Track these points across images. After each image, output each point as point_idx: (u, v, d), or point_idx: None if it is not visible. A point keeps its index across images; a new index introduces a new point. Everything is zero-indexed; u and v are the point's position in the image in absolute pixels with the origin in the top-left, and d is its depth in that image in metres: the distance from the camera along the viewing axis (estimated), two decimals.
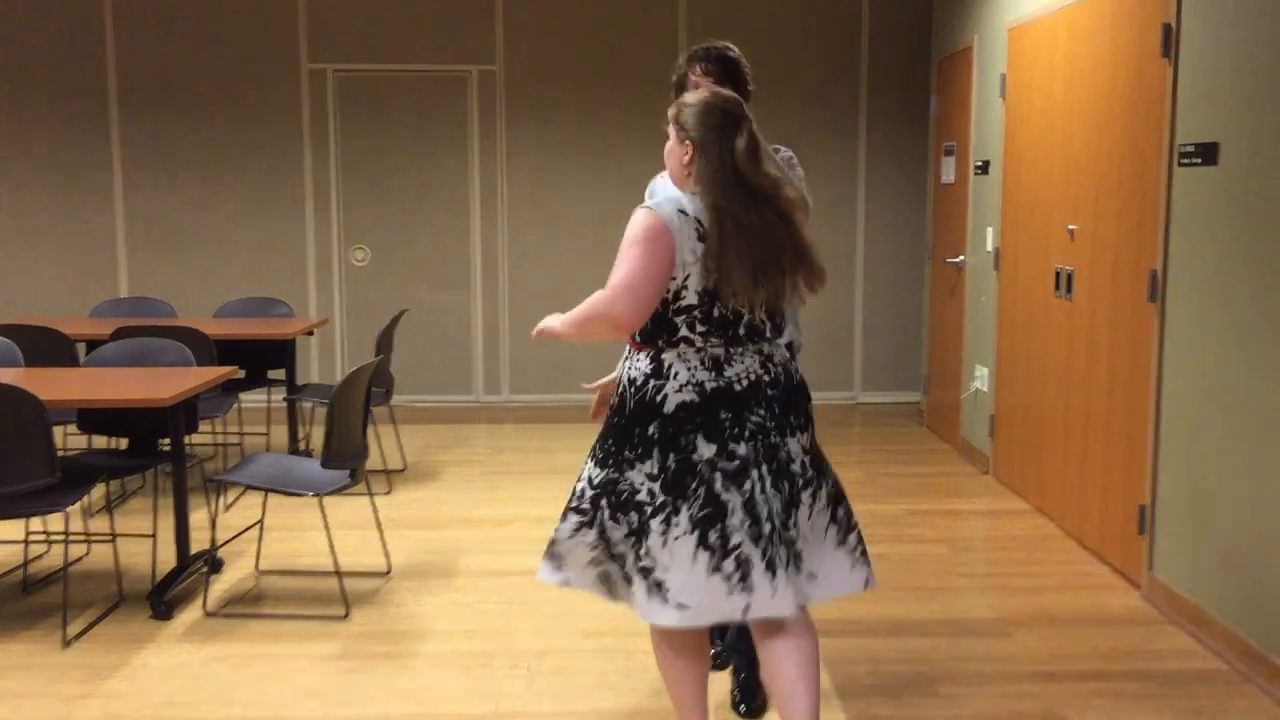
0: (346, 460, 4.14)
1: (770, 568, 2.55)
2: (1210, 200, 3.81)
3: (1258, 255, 3.54)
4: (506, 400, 8.09)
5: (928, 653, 3.75)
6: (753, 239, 2.54)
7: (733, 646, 3.39)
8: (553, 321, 2.71)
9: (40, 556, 4.68)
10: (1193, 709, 3.35)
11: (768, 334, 2.66)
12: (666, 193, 2.80)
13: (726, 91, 2.74)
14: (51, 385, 4.06)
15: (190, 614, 4.09)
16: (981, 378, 6.20)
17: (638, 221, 2.56)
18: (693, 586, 2.55)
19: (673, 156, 2.69)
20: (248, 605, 4.18)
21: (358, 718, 3.29)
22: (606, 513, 2.65)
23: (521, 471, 6.19)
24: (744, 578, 2.54)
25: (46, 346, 5.09)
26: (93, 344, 5.18)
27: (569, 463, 6.31)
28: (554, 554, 2.73)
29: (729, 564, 2.54)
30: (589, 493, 2.68)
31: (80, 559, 4.65)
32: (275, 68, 7.75)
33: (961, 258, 6.54)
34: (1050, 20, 5.18)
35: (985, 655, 3.74)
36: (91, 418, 4.57)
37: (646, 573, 2.59)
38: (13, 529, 4.83)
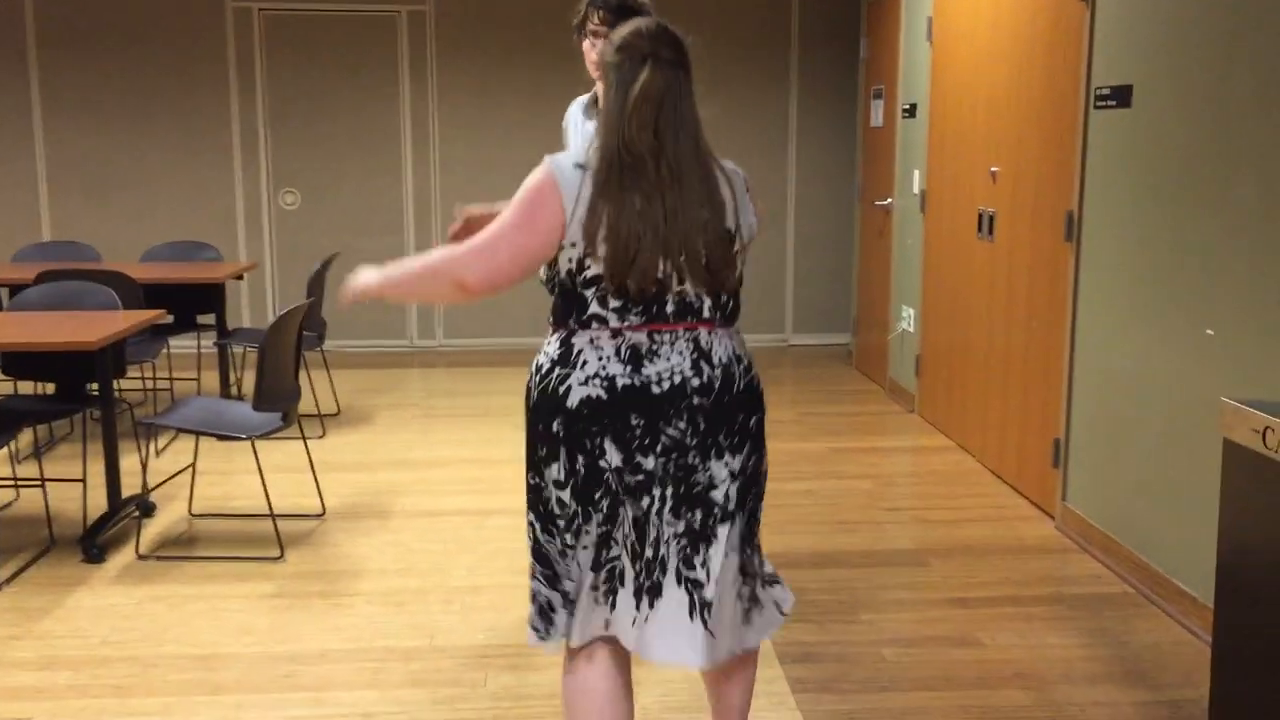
0: (278, 402, 4.16)
1: (637, 596, 2.23)
2: (1124, 142, 3.92)
3: (1169, 196, 3.66)
4: (440, 345, 8.09)
5: (850, 582, 3.89)
6: (642, 201, 2.11)
7: None
8: (371, 276, 2.32)
9: None
10: (1099, 628, 3.52)
11: (706, 315, 2.21)
12: (581, 130, 2.65)
13: (656, 20, 2.27)
14: None
15: (123, 557, 4.09)
16: (908, 318, 6.33)
17: (527, 180, 2.17)
18: (594, 596, 2.27)
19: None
20: (181, 548, 4.19)
21: (295, 653, 3.34)
22: (539, 527, 2.29)
23: (455, 414, 6.23)
24: (610, 593, 2.25)
25: None
26: (15, 289, 5.11)
27: (502, 405, 6.37)
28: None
29: (602, 575, 2.25)
30: (527, 511, 2.33)
31: (9, 504, 4.63)
32: (199, 6, 7.59)
33: (889, 200, 6.64)
34: None
35: (904, 583, 3.87)
36: (17, 362, 4.53)
37: (567, 593, 2.29)
38: None
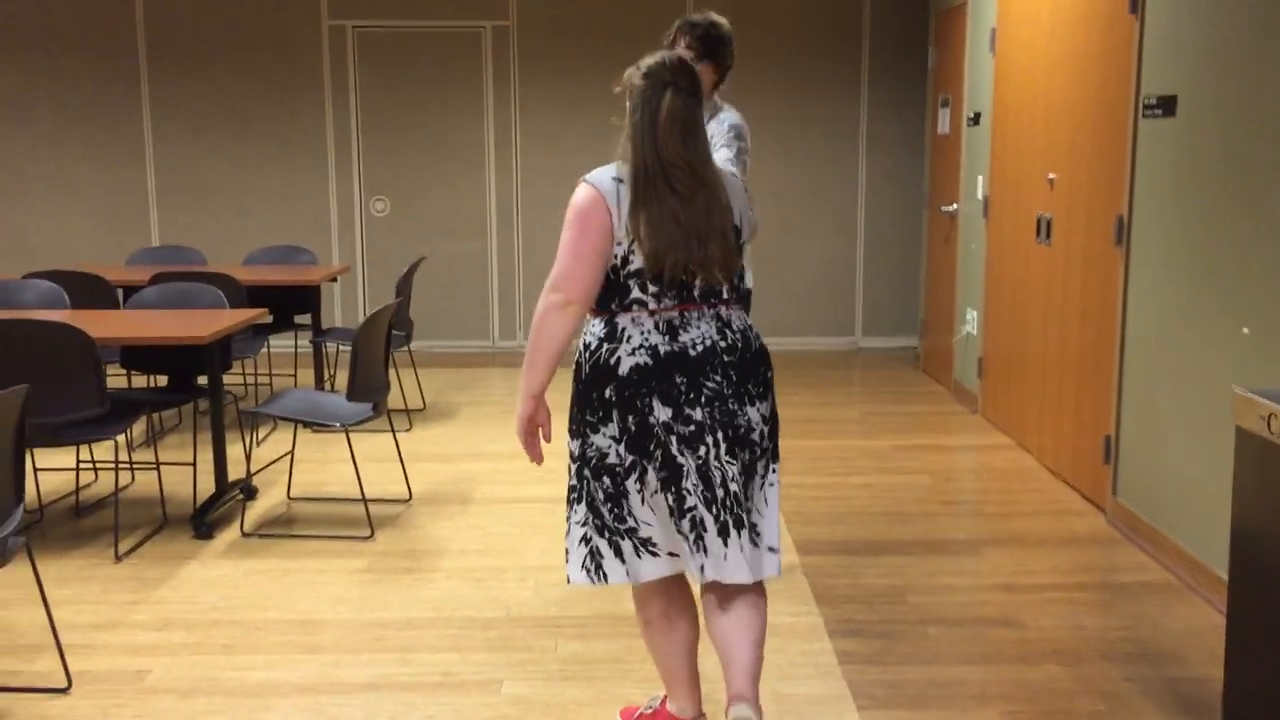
0: (370, 394, 4.50)
1: (723, 533, 2.58)
2: (1170, 150, 4.09)
3: (1209, 201, 3.82)
4: (520, 346, 8.44)
5: (902, 568, 4.10)
6: (679, 213, 2.51)
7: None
8: (520, 405, 2.68)
9: (89, 485, 5.07)
10: (1139, 613, 3.69)
11: (725, 295, 2.63)
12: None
13: (677, 54, 2.68)
14: (98, 325, 4.42)
15: (229, 535, 4.46)
16: (972, 321, 6.50)
17: (573, 200, 2.55)
18: (673, 539, 2.65)
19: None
20: (281, 527, 4.55)
21: (383, 620, 3.66)
22: (590, 481, 2.63)
23: None
24: (699, 539, 2.59)
25: (89, 291, 5.45)
26: (129, 289, 5.55)
27: None
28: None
29: (685, 524, 2.59)
30: (572, 466, 2.68)
31: (126, 487, 5.04)
32: (297, 24, 8.04)
33: (955, 206, 6.82)
34: None
35: (954, 570, 4.08)
36: (134, 356, 4.94)
37: (631, 533, 2.63)
38: (64, 458, 5.22)
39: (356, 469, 4.57)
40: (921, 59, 7.90)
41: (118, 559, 4.20)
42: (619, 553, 2.64)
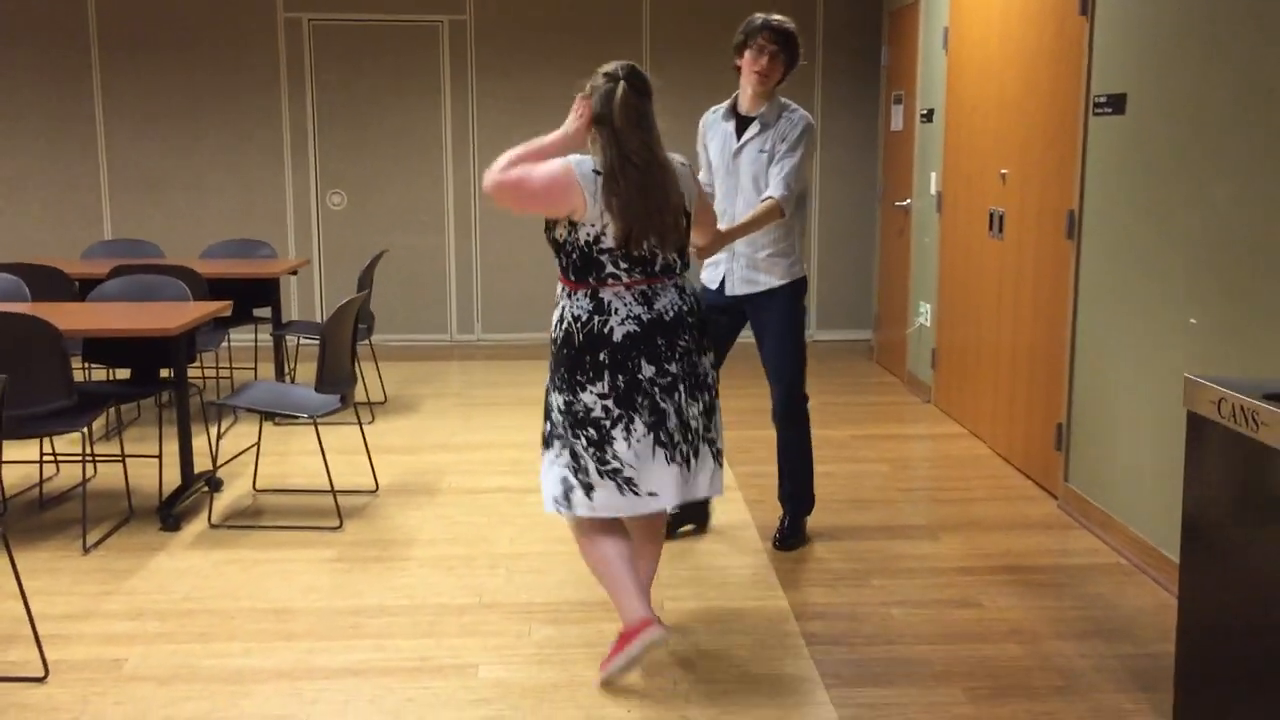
0: (338, 385, 4.53)
1: (687, 460, 3.17)
2: (1119, 146, 4.23)
3: (1157, 196, 3.97)
4: (478, 339, 8.47)
5: (863, 553, 4.21)
6: (644, 191, 3.02)
7: (780, 499, 4.33)
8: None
9: (51, 478, 5.05)
10: (1092, 593, 3.83)
11: (677, 269, 3.17)
12: (718, 128, 4.04)
13: (629, 61, 3.19)
14: (65, 317, 4.41)
15: (196, 526, 4.48)
16: (925, 314, 6.64)
17: (558, 162, 3.05)
18: (659, 476, 3.12)
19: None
20: (248, 518, 4.57)
21: (357, 608, 3.70)
22: (571, 431, 3.11)
23: (493, 403, 6.59)
24: (686, 465, 3.15)
25: (46, 284, 5.41)
26: (87, 283, 5.52)
27: (537, 395, 6.71)
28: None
29: (679, 455, 3.13)
30: (557, 417, 3.14)
31: (89, 480, 5.02)
32: (252, 16, 8.01)
33: (908, 201, 6.96)
34: None
35: (914, 554, 4.20)
36: (97, 348, 4.92)
37: (616, 474, 3.09)
38: (26, 451, 5.19)
39: (325, 460, 4.59)
40: (875, 57, 8.03)
41: (85, 551, 4.20)
42: (589, 491, 3.11)
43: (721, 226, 3.85)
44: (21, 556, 4.14)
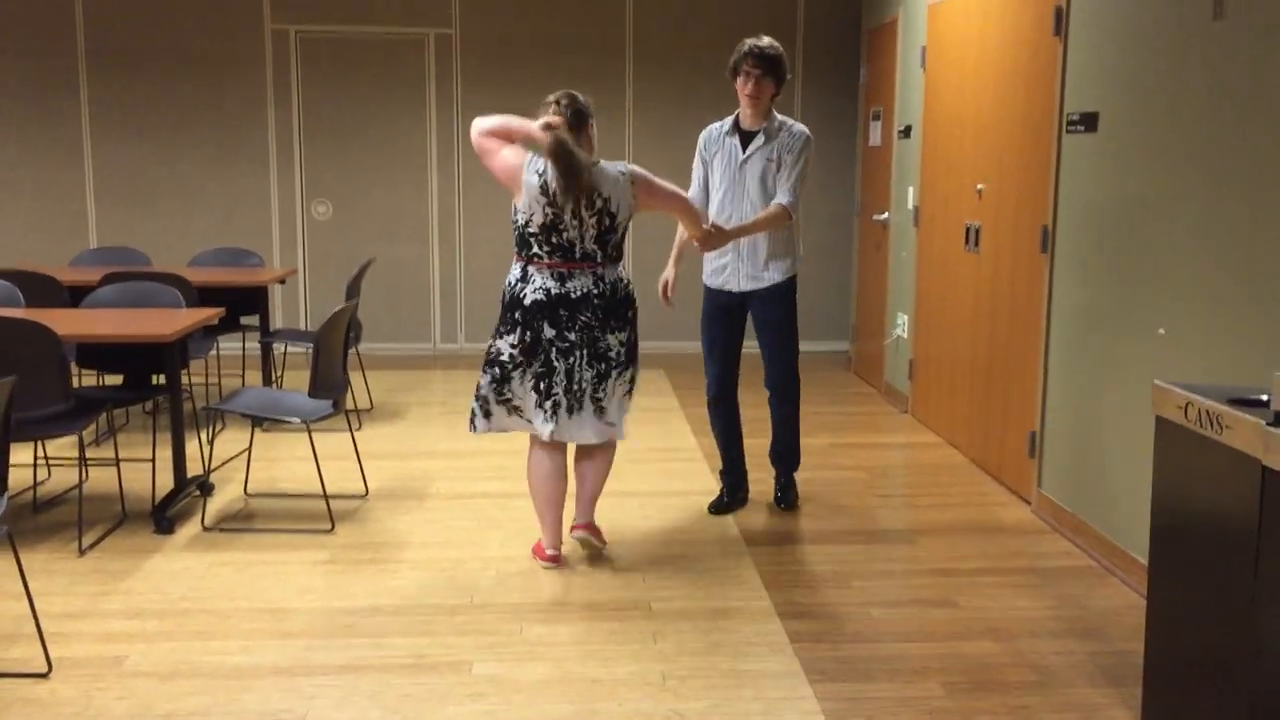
0: (330, 391, 4.62)
1: (570, 410, 4.00)
2: (1091, 163, 4.39)
3: (1127, 212, 4.12)
4: (461, 348, 8.56)
5: (844, 556, 4.34)
6: (556, 199, 3.86)
7: (772, 459, 4.94)
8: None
9: (43, 482, 5.11)
10: (1063, 594, 3.96)
11: (599, 260, 3.93)
12: (722, 142, 4.62)
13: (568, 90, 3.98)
14: (63, 323, 4.48)
15: (189, 529, 4.55)
16: (902, 325, 6.79)
17: (519, 155, 3.91)
18: (533, 412, 4.01)
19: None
20: (241, 522, 4.65)
21: (352, 608, 3.79)
22: (482, 368, 4.06)
23: None
24: (553, 412, 3.99)
25: (39, 290, 5.48)
26: (75, 289, 5.58)
27: None
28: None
29: (548, 404, 3.99)
30: (485, 363, 4.06)
31: (82, 483, 5.09)
32: (240, 28, 8.09)
33: (886, 215, 7.11)
34: (964, 1, 5.73)
35: (892, 557, 4.32)
36: (91, 354, 4.99)
37: (507, 402, 4.04)
38: (22, 454, 5.25)
39: (318, 464, 4.68)
40: (853, 74, 8.20)
41: (81, 553, 4.27)
42: (488, 415, 4.05)
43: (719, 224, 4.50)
44: (20, 557, 4.19)
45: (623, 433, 4.10)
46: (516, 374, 3.98)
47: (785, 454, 4.92)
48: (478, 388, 4.05)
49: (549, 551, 4.16)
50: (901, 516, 4.81)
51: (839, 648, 3.53)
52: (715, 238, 4.37)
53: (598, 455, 4.18)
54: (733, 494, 4.89)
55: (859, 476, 5.41)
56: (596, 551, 4.29)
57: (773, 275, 4.67)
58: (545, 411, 3.98)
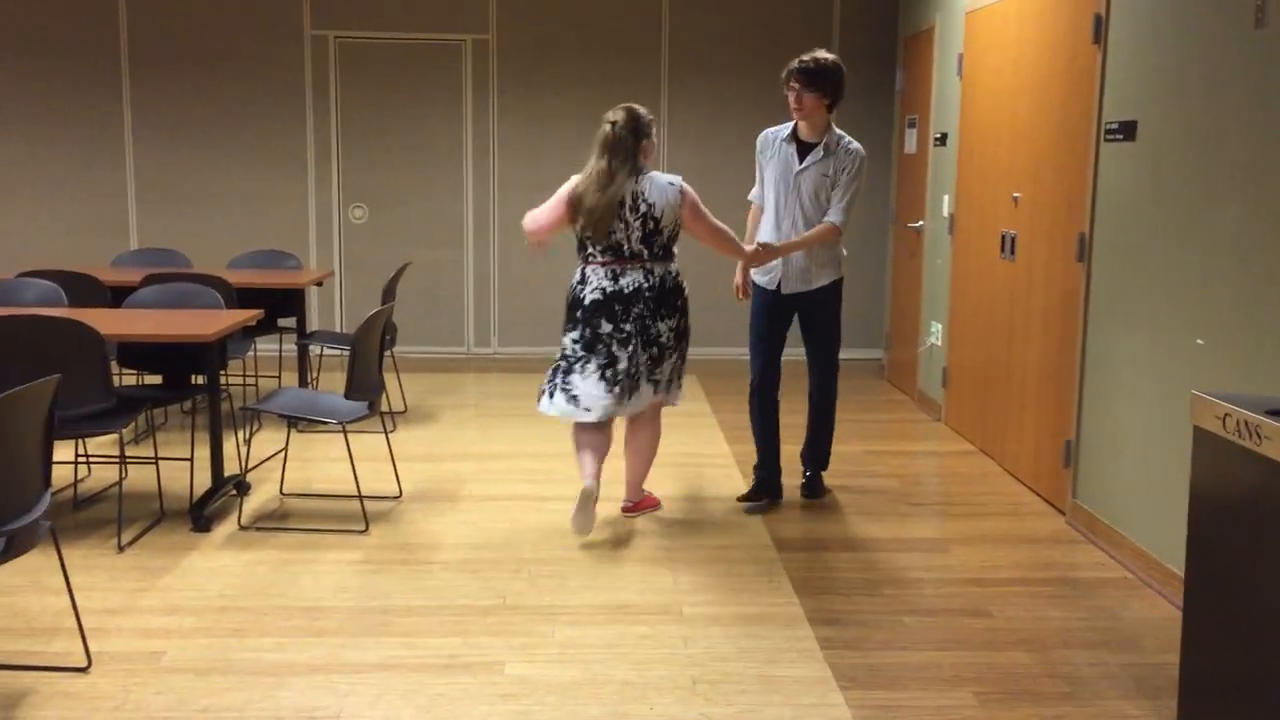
0: (367, 392, 4.66)
1: (632, 390, 4.41)
2: (1130, 171, 4.36)
3: (1166, 221, 4.09)
4: (494, 352, 8.61)
5: (876, 563, 4.33)
6: (600, 208, 4.33)
7: (803, 459, 5.17)
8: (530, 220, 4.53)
9: (83, 479, 5.18)
10: (1098, 605, 3.94)
11: (646, 258, 4.37)
12: (775, 147, 4.99)
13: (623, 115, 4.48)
14: (105, 323, 4.54)
15: (226, 527, 4.60)
16: (936, 333, 6.76)
17: (562, 188, 4.47)
18: (595, 398, 4.41)
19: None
20: (277, 521, 4.70)
21: (386, 607, 3.82)
22: (556, 361, 4.53)
23: (510, 414, 6.72)
24: (624, 395, 4.40)
25: (83, 290, 5.56)
26: (117, 290, 5.66)
27: None
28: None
29: (616, 389, 4.39)
30: (560, 354, 4.53)
31: (122, 480, 5.15)
32: (279, 33, 8.18)
33: (921, 223, 7.09)
34: (1002, 7, 5.71)
35: (925, 565, 4.31)
36: (131, 354, 5.06)
37: (567, 390, 4.43)
38: (64, 451, 5.33)
39: (353, 465, 4.72)
40: (889, 80, 8.18)
41: (121, 549, 4.33)
42: (552, 396, 4.46)
43: (770, 228, 4.83)
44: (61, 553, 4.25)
45: (677, 400, 4.57)
46: (578, 366, 4.40)
47: (817, 457, 5.12)
48: (548, 374, 4.54)
49: (587, 482, 4.44)
50: (934, 525, 4.80)
51: (870, 655, 3.52)
52: (762, 255, 4.69)
53: (647, 426, 4.61)
54: (764, 486, 4.98)
55: (892, 484, 5.39)
56: (627, 549, 4.33)
57: (821, 278, 4.85)
58: (613, 395, 4.38)
